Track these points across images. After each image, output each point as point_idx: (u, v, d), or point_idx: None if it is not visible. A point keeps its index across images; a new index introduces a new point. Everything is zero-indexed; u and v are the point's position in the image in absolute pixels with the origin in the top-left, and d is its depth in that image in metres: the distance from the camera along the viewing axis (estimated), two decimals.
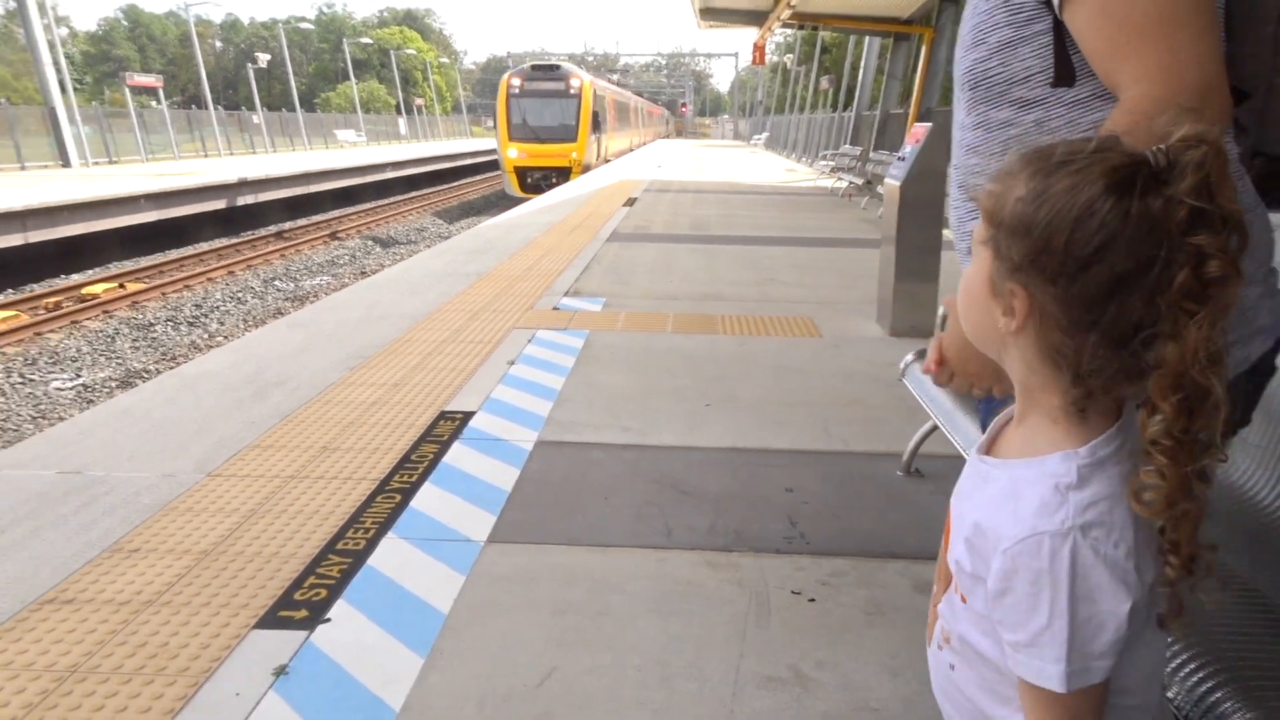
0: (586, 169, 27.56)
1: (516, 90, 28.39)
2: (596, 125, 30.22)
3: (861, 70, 24.33)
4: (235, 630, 2.45)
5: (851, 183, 16.82)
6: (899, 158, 6.02)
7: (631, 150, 43.84)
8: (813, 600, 2.67)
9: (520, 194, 26.21)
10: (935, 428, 3.38)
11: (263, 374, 4.92)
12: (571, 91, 28.64)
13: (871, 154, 17.42)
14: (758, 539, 3.04)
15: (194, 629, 2.46)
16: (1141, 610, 0.89)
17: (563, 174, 26.77)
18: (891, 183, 5.92)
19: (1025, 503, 0.92)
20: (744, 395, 4.65)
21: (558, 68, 29.13)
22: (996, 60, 1.39)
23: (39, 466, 3.59)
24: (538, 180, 26.99)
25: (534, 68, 28.92)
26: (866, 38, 23.42)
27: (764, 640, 2.46)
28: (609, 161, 32.94)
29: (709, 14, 21.87)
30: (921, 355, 3.59)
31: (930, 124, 5.73)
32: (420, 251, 11.66)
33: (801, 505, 3.32)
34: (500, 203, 27.67)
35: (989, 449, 1.06)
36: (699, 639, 2.45)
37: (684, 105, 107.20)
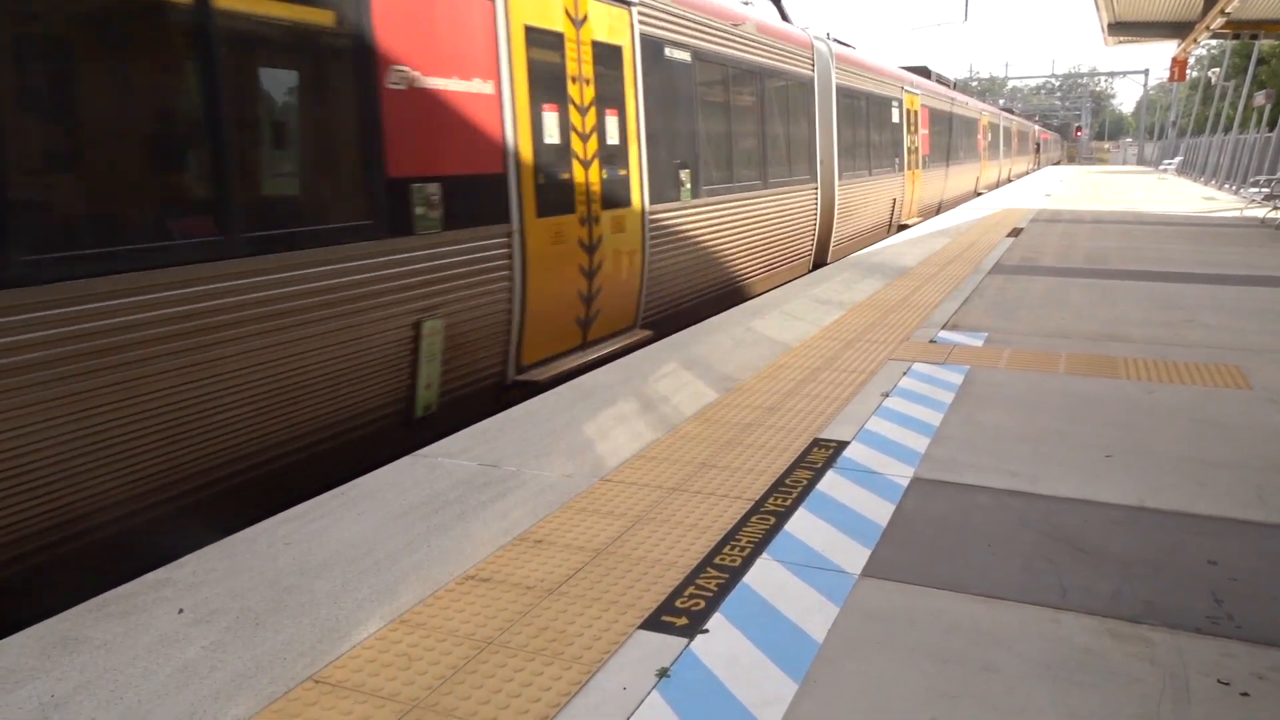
0: None
1: None
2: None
3: None
4: (623, 627, 2.61)
5: None
6: None
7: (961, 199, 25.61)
8: (1245, 695, 2.29)
9: None
10: None
11: (644, 390, 5.24)
12: None
13: None
14: (1173, 614, 2.67)
15: (587, 620, 2.66)
16: None
17: None
18: None
19: None
20: (1154, 449, 4.14)
21: None
22: None
23: (465, 458, 4.10)
24: None
25: None
26: None
27: None
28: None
29: (1119, 29, 20.00)
30: None
31: None
32: None
33: (1229, 582, 2.87)
34: None
35: None
36: (1102, 716, 2.20)
37: (1078, 129, 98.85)
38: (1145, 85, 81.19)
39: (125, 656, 2.50)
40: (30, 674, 2.42)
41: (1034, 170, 53.47)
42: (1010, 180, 39.44)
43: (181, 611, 2.74)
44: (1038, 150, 62.44)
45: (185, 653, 2.52)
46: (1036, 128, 64.75)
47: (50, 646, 2.55)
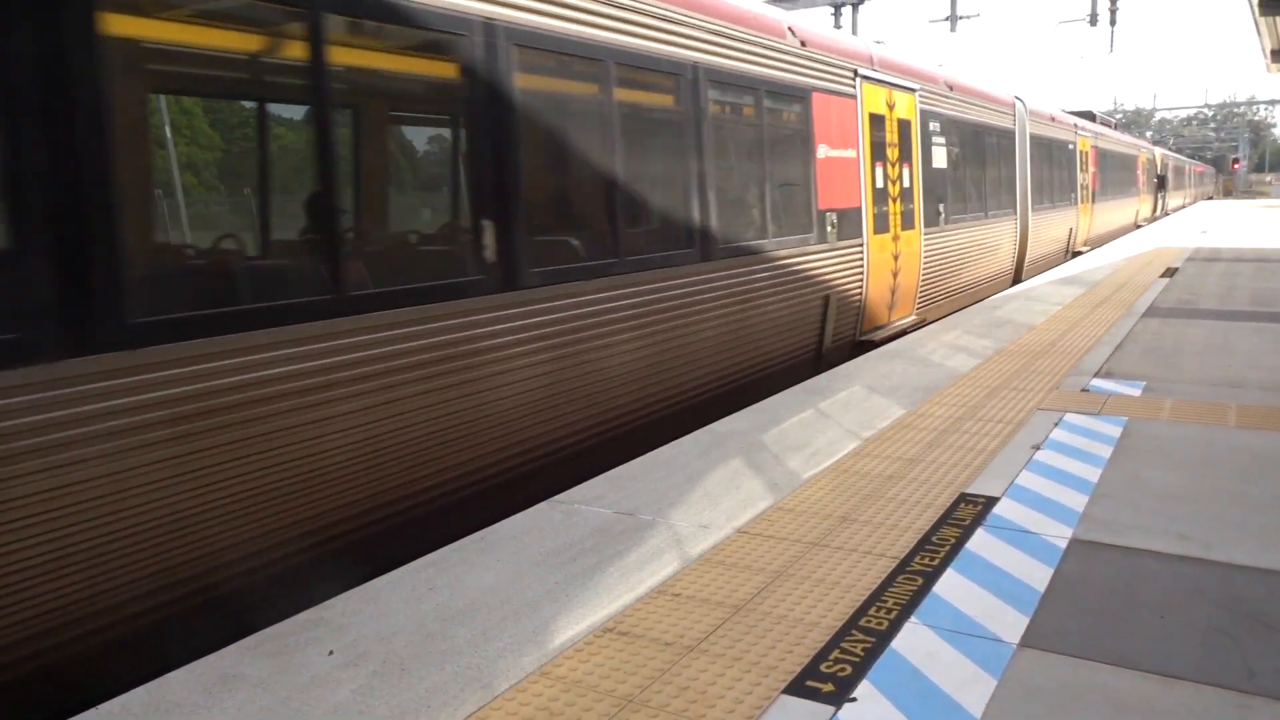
0: None
1: None
2: None
3: None
4: (766, 691, 2.53)
5: None
6: None
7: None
8: None
9: None
10: None
11: (778, 438, 5.14)
12: None
13: None
14: None
15: (729, 681, 2.58)
16: None
17: None
18: None
19: None
20: None
21: None
22: None
23: (600, 505, 4.10)
24: None
25: None
26: None
27: None
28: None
29: None
30: None
31: None
32: None
33: None
34: None
35: None
36: None
37: (1235, 161, 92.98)
38: None
39: (279, 696, 2.58)
40: (194, 709, 2.52)
41: (1148, 222, 32.83)
42: (1088, 246, 21.53)
43: (331, 653, 2.81)
44: (1161, 186, 39.31)
45: (336, 695, 2.57)
46: (1160, 151, 41.03)
47: (212, 683, 2.65)
